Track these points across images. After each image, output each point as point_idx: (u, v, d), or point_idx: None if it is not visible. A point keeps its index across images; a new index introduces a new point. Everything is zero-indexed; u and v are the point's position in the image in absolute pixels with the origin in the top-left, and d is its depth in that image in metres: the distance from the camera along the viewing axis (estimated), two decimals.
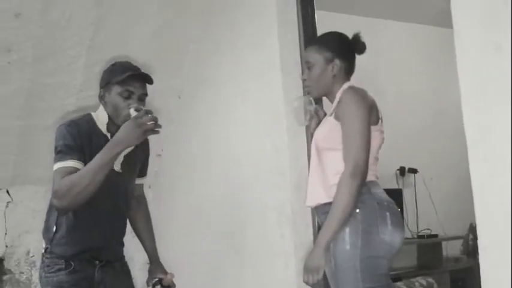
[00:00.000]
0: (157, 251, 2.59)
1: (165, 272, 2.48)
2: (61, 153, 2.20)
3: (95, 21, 3.23)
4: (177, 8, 3.47)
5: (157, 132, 2.15)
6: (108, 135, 2.30)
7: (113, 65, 2.40)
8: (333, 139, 2.15)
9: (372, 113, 2.14)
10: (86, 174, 2.13)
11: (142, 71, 2.39)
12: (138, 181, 2.55)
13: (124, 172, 2.36)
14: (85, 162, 2.20)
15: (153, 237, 2.59)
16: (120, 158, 2.33)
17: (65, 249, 2.28)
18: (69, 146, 2.20)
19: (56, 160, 2.21)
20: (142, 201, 2.62)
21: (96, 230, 2.31)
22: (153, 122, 2.12)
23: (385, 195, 2.16)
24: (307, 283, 2.10)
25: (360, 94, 2.15)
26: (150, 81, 2.36)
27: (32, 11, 3.05)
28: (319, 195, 2.18)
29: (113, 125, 2.31)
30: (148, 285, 2.47)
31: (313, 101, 2.36)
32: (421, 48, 5.38)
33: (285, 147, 2.86)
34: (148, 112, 2.14)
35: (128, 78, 2.28)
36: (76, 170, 2.17)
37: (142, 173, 2.57)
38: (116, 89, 2.29)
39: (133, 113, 2.18)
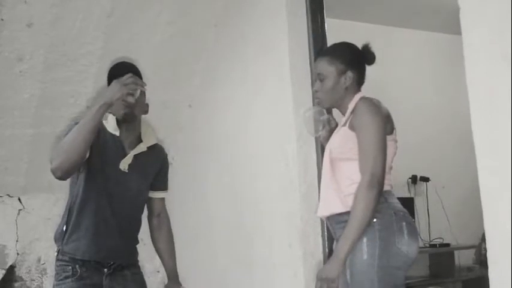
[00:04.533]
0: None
1: None
2: (63, 136, 2.31)
3: (106, 30, 3.24)
4: (188, 18, 3.48)
5: (139, 86, 2.27)
6: (116, 132, 2.38)
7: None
8: (347, 149, 2.15)
9: (387, 123, 2.14)
10: (73, 131, 2.21)
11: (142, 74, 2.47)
12: (157, 194, 2.56)
13: (132, 173, 2.39)
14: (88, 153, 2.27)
15: (174, 256, 2.58)
16: (129, 159, 2.38)
17: (74, 248, 2.32)
18: (69, 130, 2.29)
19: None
20: (164, 219, 2.60)
21: (102, 227, 2.34)
22: (131, 78, 2.24)
23: (400, 205, 2.16)
24: None
25: (375, 105, 2.15)
26: (136, 72, 2.42)
27: (43, 21, 3.07)
28: (333, 205, 2.17)
29: (122, 126, 2.39)
30: None
31: (324, 110, 2.35)
32: (433, 55, 5.36)
33: (295, 156, 2.85)
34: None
35: (116, 73, 2.36)
36: None
37: (161, 185, 2.57)
38: None
39: None
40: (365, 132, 2.09)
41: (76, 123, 2.34)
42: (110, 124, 2.40)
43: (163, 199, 2.60)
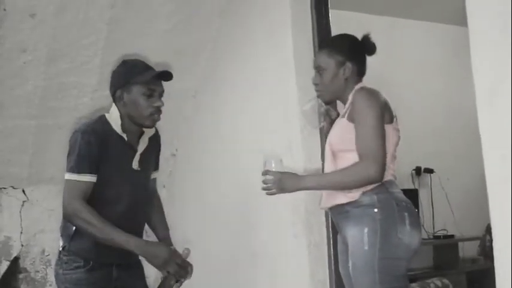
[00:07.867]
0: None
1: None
2: (74, 163, 2.21)
3: (110, 21, 3.23)
4: (192, 8, 3.47)
5: (184, 278, 2.28)
6: (124, 135, 2.31)
7: (124, 64, 2.37)
8: (347, 140, 2.14)
9: (385, 112, 2.13)
10: (104, 231, 2.17)
11: (157, 69, 2.38)
12: (151, 176, 2.54)
13: (141, 170, 2.37)
14: (98, 172, 2.22)
15: (166, 225, 2.54)
16: (137, 157, 2.35)
17: (85, 250, 2.28)
18: (82, 157, 2.20)
19: (69, 170, 2.22)
20: (154, 192, 2.58)
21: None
22: (182, 271, 2.23)
23: (402, 195, 2.15)
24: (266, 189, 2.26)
25: (371, 94, 2.14)
26: (171, 78, 2.35)
27: (46, 11, 3.06)
28: (335, 196, 2.17)
29: (129, 124, 2.31)
30: None
31: (323, 102, 2.35)
32: (438, 47, 5.33)
33: (299, 146, 2.85)
34: (182, 268, 2.25)
35: (151, 78, 2.28)
36: (89, 184, 2.20)
37: (156, 166, 2.56)
38: (139, 89, 2.27)
39: None
40: (363, 122, 2.08)
41: (83, 134, 2.23)
42: (115, 123, 2.30)
43: (155, 178, 2.57)
